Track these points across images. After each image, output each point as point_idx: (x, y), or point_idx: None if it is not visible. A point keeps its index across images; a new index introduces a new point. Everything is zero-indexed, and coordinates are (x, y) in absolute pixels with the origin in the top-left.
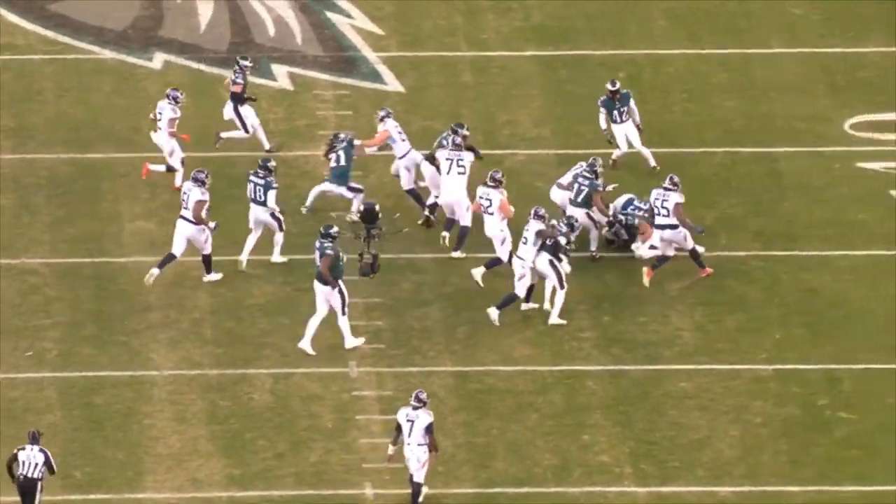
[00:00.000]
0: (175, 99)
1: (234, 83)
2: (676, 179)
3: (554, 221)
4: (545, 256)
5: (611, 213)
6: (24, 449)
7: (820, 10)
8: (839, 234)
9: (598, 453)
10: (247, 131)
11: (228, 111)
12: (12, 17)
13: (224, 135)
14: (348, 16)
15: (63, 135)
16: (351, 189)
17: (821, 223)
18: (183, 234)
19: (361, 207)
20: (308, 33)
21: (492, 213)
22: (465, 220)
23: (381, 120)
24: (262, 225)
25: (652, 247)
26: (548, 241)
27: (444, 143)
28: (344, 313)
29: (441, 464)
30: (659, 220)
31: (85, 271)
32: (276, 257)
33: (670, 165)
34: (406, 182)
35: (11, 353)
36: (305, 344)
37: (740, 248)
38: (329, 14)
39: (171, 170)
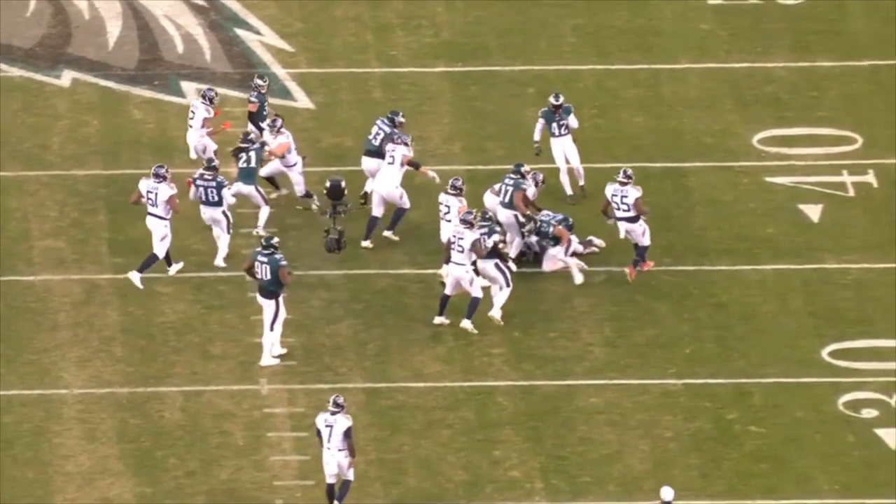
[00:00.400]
0: (211, 99)
1: (250, 102)
2: (630, 173)
3: (477, 234)
4: (490, 261)
5: (537, 219)
6: None
7: (727, 25)
8: (748, 248)
9: (509, 469)
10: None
11: (251, 130)
12: None
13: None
14: (257, 32)
15: None
16: (259, 192)
17: (730, 238)
18: (155, 231)
19: (328, 183)
20: (217, 50)
21: (449, 221)
22: (403, 204)
23: (279, 131)
24: (213, 223)
25: (574, 253)
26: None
27: (378, 140)
28: (272, 329)
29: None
30: (620, 214)
31: None
32: (220, 261)
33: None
34: (302, 189)
35: None
36: (266, 360)
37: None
38: (238, 31)
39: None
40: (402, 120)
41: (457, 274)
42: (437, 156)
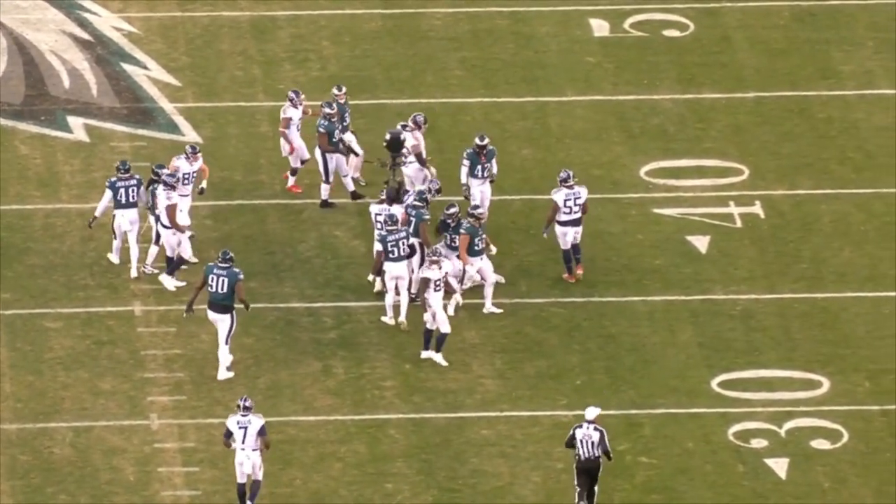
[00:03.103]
0: (292, 100)
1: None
2: (571, 172)
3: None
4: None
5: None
6: None
7: (613, 58)
8: (636, 280)
9: (402, 502)
10: (356, 153)
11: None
12: None
13: (355, 175)
14: (144, 67)
15: None
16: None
17: (618, 269)
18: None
19: (388, 136)
20: (104, 85)
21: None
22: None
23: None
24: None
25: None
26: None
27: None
28: (227, 342)
29: None
30: (570, 217)
31: None
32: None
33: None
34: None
35: None
36: (222, 375)
37: (539, 295)
38: (124, 65)
39: (294, 171)
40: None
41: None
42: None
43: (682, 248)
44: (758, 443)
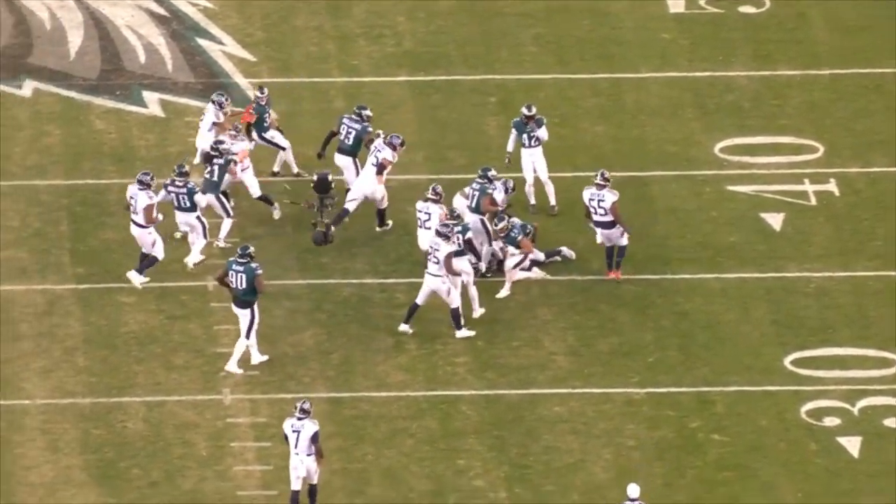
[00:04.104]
0: (220, 104)
1: (249, 114)
2: (608, 175)
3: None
4: (462, 257)
5: (500, 226)
6: None
7: (688, 34)
8: (710, 257)
9: (473, 478)
10: (283, 148)
11: (261, 141)
12: None
13: (276, 168)
14: (219, 42)
15: None
16: (220, 202)
17: (692, 246)
18: (134, 235)
19: (315, 177)
20: (179, 60)
21: (429, 228)
22: (352, 206)
23: (235, 137)
24: (189, 228)
25: (535, 263)
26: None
27: (350, 139)
28: (248, 337)
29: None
30: (597, 218)
31: None
32: (192, 259)
33: (542, 190)
34: (256, 190)
35: None
36: (231, 366)
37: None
38: (200, 41)
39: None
40: (369, 113)
41: (433, 285)
42: (400, 165)
43: (757, 225)
44: (830, 421)
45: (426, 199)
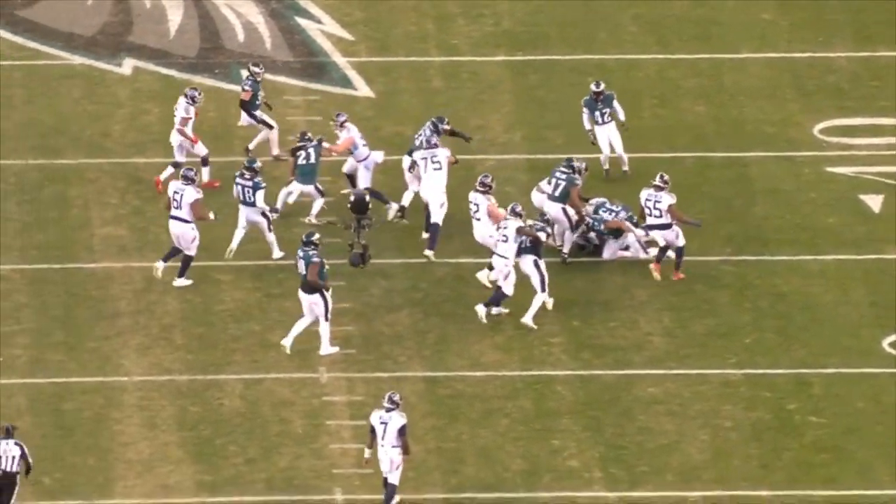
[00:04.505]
0: (192, 98)
1: (243, 90)
2: (667, 178)
3: (530, 221)
4: (529, 257)
5: (586, 211)
6: None
7: (788, 15)
8: (809, 238)
9: (568, 458)
10: (271, 127)
11: (243, 118)
12: None
13: (252, 145)
14: (318, 21)
15: (32, 141)
16: (318, 189)
17: (791, 228)
18: (175, 233)
19: (352, 197)
20: (278, 39)
21: (479, 219)
22: (438, 217)
23: (342, 126)
24: (251, 224)
25: (627, 247)
26: (528, 241)
27: (419, 141)
28: (327, 319)
29: (411, 469)
30: (651, 221)
31: (54, 277)
32: (276, 253)
33: (640, 171)
34: (366, 181)
35: None
36: (287, 341)
37: (711, 252)
38: (299, 19)
39: (176, 166)
40: (446, 127)
41: (497, 265)
42: (498, 145)
43: (856, 206)
44: None
45: (475, 190)
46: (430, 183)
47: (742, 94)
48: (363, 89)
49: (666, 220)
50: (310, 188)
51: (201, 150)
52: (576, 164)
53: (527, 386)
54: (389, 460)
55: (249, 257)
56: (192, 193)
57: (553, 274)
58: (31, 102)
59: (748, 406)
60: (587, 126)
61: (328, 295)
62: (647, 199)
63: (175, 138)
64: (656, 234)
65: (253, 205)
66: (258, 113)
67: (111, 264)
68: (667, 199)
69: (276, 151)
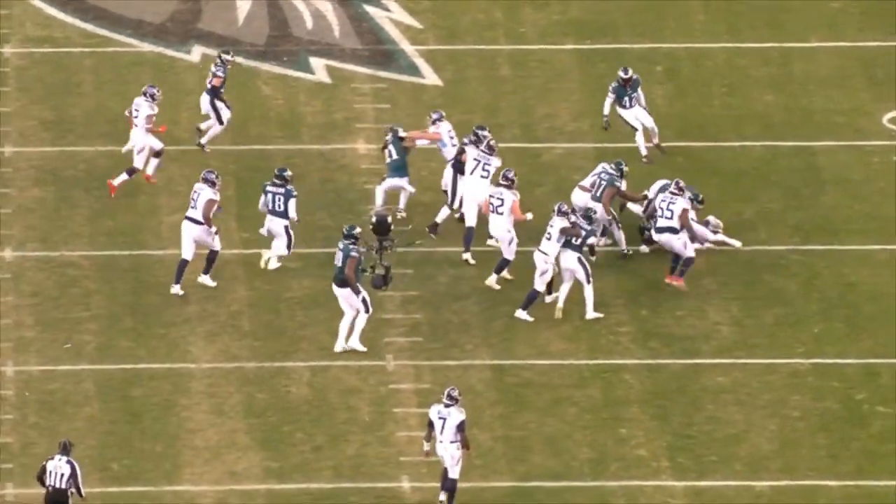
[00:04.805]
0: (152, 96)
1: (215, 76)
2: (682, 184)
3: (574, 218)
4: (573, 254)
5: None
6: (52, 459)
7: (858, 4)
8: (878, 228)
9: (636, 447)
10: (221, 122)
11: (205, 104)
12: (51, 11)
13: (203, 125)
14: (386, 9)
15: (102, 128)
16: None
17: (860, 217)
18: (190, 235)
19: (374, 218)
20: (346, 26)
21: (502, 213)
22: (472, 220)
23: (434, 122)
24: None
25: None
26: (573, 239)
27: (472, 142)
28: (367, 311)
29: (478, 457)
30: (661, 223)
31: (123, 264)
32: (274, 264)
33: (709, 159)
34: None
35: (50, 345)
36: (339, 346)
37: (779, 242)
38: (367, 7)
39: (132, 172)
40: (486, 134)
41: (538, 261)
42: (566, 133)
43: None
44: None
45: (499, 184)
46: (471, 187)
47: (811, 82)
48: (431, 77)
49: (675, 223)
50: (403, 182)
51: (159, 143)
52: (625, 167)
53: (594, 375)
54: (449, 455)
55: (317, 245)
56: (208, 194)
57: (620, 264)
58: (100, 89)
59: (816, 396)
60: (606, 111)
61: (363, 290)
62: (661, 201)
63: (139, 140)
64: (662, 238)
65: (283, 214)
66: (220, 103)
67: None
68: (681, 203)
69: (204, 140)
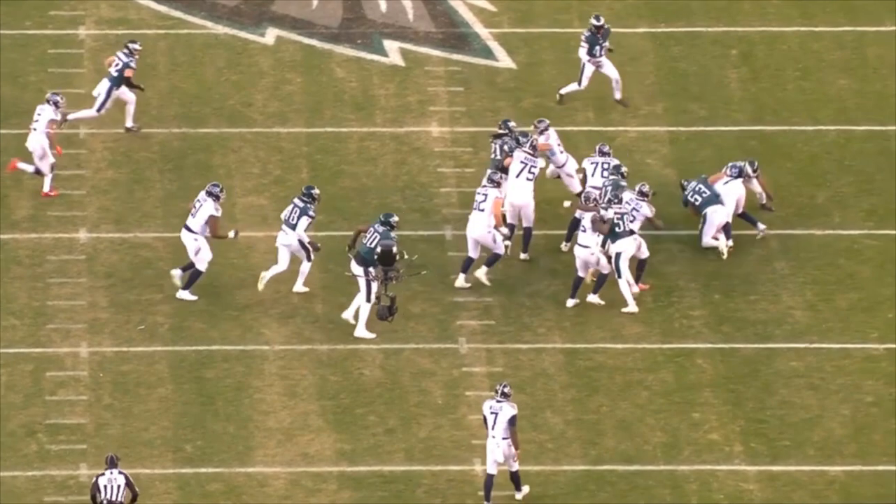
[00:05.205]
0: (56, 103)
1: (129, 67)
2: (646, 189)
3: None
4: (627, 240)
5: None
6: (103, 474)
7: None
8: None
9: (709, 431)
10: (98, 111)
11: (101, 89)
12: None
13: (71, 117)
14: None
15: (175, 109)
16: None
17: None
18: (184, 243)
19: (378, 249)
20: (420, 10)
21: (483, 210)
22: (530, 221)
23: (541, 132)
24: (288, 252)
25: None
26: (620, 225)
27: (520, 141)
28: (368, 301)
29: (551, 441)
30: (628, 226)
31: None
32: (299, 287)
33: (783, 143)
34: (576, 185)
35: (123, 326)
36: (360, 332)
37: (852, 226)
38: None
39: (38, 173)
40: (513, 124)
41: (582, 256)
42: (639, 117)
43: None
44: None
45: (484, 185)
46: (520, 190)
47: (885, 67)
48: (505, 60)
49: (636, 227)
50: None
51: (52, 158)
52: (624, 169)
53: (667, 359)
54: (501, 452)
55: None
56: (209, 208)
57: (695, 248)
58: (174, 71)
59: (890, 381)
60: (584, 59)
61: (371, 279)
62: (627, 203)
63: (35, 143)
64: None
65: (293, 228)
66: (121, 89)
67: (253, 234)
68: (646, 209)
69: (71, 117)
